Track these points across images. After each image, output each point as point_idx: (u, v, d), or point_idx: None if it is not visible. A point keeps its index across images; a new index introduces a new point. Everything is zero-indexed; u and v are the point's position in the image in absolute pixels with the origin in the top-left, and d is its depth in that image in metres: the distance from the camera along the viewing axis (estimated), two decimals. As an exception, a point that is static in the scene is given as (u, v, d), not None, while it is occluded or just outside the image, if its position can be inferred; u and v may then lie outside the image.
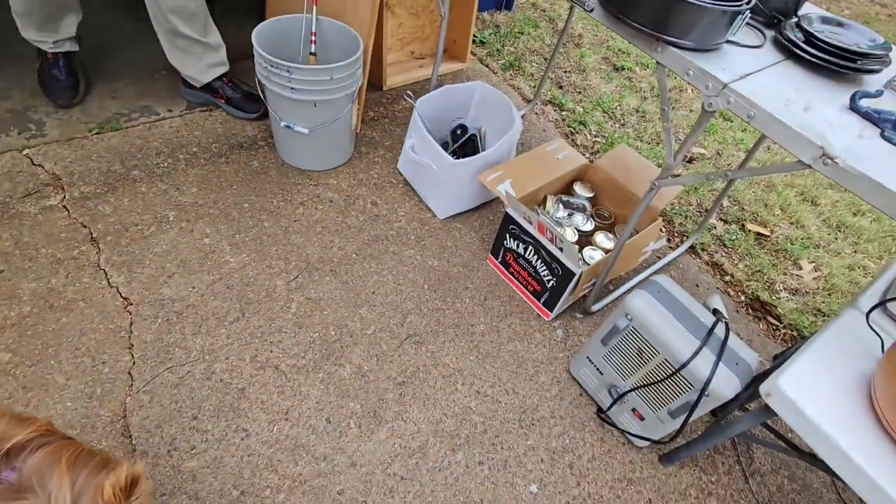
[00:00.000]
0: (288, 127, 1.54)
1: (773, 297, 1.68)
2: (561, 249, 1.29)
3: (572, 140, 2.14)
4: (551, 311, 1.44)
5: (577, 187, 1.62)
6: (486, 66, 2.39)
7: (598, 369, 1.24)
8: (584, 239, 1.54)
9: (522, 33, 2.65)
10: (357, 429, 1.17)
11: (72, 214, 1.39)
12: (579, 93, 2.38)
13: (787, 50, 1.03)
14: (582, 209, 1.57)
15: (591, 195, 1.61)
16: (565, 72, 2.49)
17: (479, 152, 1.57)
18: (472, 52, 2.39)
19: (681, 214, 1.89)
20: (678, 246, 1.77)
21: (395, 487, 1.10)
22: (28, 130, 1.56)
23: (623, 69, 2.59)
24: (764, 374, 1.02)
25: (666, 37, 0.97)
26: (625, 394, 1.17)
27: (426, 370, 1.30)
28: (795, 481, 1.28)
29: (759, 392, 0.89)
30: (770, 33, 1.09)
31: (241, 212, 1.52)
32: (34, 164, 1.48)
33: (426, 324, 1.39)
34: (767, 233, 1.90)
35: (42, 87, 1.64)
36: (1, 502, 0.56)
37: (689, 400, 1.03)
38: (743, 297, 1.67)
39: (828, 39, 0.99)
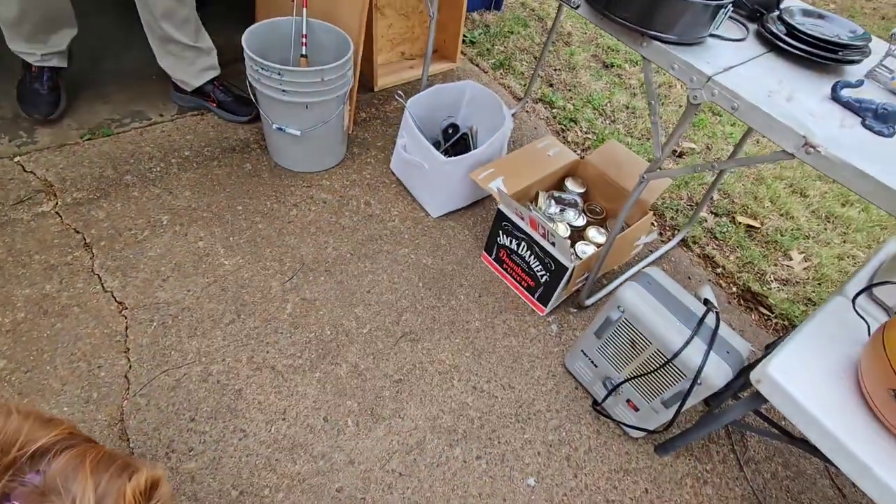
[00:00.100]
0: (280, 129, 1.55)
1: (764, 288, 1.70)
2: (553, 244, 1.31)
3: (563, 137, 2.15)
4: (545, 307, 1.45)
5: (569, 183, 1.63)
6: (477, 65, 2.40)
7: (592, 362, 1.25)
8: (577, 234, 1.55)
9: (512, 32, 2.67)
10: (354, 427, 1.18)
11: (65, 220, 1.39)
12: (569, 90, 2.39)
13: (770, 43, 1.05)
14: (574, 205, 1.58)
15: (582, 191, 1.62)
16: (555, 70, 2.51)
17: (470, 151, 1.58)
18: (462, 52, 2.41)
19: (672, 208, 1.91)
20: (670, 239, 1.79)
21: (393, 484, 1.11)
22: (19, 138, 1.56)
23: (612, 66, 2.61)
24: (756, 364, 1.03)
25: (651, 31, 0.98)
26: (619, 385, 1.18)
27: (422, 367, 1.31)
28: (789, 468, 1.30)
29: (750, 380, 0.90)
30: (753, 27, 1.11)
31: (235, 214, 1.52)
32: (25, 171, 1.47)
33: (421, 321, 1.40)
34: (758, 225, 1.92)
35: (20, 99, 1.58)
36: None
37: (681, 389, 1.04)
38: (734, 289, 1.69)
39: (809, 31, 1.01)
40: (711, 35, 1.03)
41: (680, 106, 2.45)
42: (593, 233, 1.54)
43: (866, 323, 0.94)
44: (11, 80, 1.62)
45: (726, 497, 1.21)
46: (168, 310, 1.28)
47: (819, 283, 1.75)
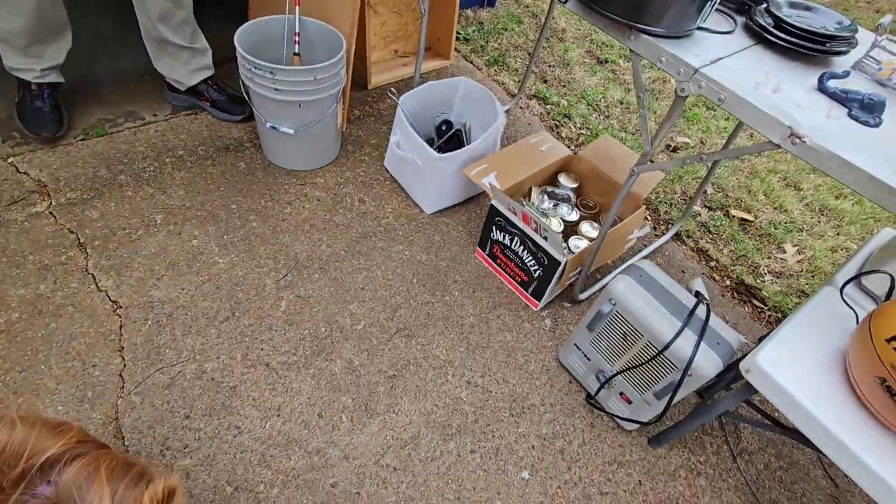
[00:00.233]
0: (273, 128, 1.55)
1: (758, 281, 1.70)
2: (546, 239, 1.31)
3: (557, 133, 2.16)
4: (539, 301, 1.46)
5: (562, 178, 1.64)
6: (471, 62, 2.40)
7: (585, 355, 1.26)
8: (570, 229, 1.55)
9: (506, 29, 2.67)
10: (349, 422, 1.18)
11: (59, 220, 1.40)
12: (563, 86, 2.40)
13: (758, 35, 1.05)
14: (567, 199, 1.59)
15: (575, 185, 1.63)
16: (549, 66, 2.51)
17: (464, 147, 1.59)
18: (456, 49, 2.41)
19: (666, 203, 1.92)
20: (664, 233, 1.79)
21: (387, 478, 1.11)
22: (12, 139, 1.56)
23: (607, 62, 2.61)
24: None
25: (639, 25, 0.98)
26: (611, 377, 1.18)
27: (417, 363, 1.31)
28: (782, 459, 1.31)
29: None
30: (741, 19, 1.11)
31: (229, 213, 1.53)
32: (19, 172, 1.48)
33: (416, 317, 1.40)
34: (751, 218, 1.93)
35: (23, 120, 1.54)
36: None
37: (672, 381, 1.04)
38: (728, 282, 1.70)
39: (796, 23, 1.01)
40: (699, 28, 1.03)
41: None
42: (586, 227, 1.55)
43: (854, 312, 0.95)
44: (3, 81, 1.62)
45: (719, 488, 1.22)
46: (162, 308, 1.29)
47: (812, 276, 1.76)
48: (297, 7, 1.56)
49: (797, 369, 0.89)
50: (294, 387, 1.21)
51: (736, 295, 1.67)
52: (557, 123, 2.19)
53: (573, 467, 1.20)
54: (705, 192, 2.00)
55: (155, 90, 1.80)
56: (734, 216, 1.92)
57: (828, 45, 1.00)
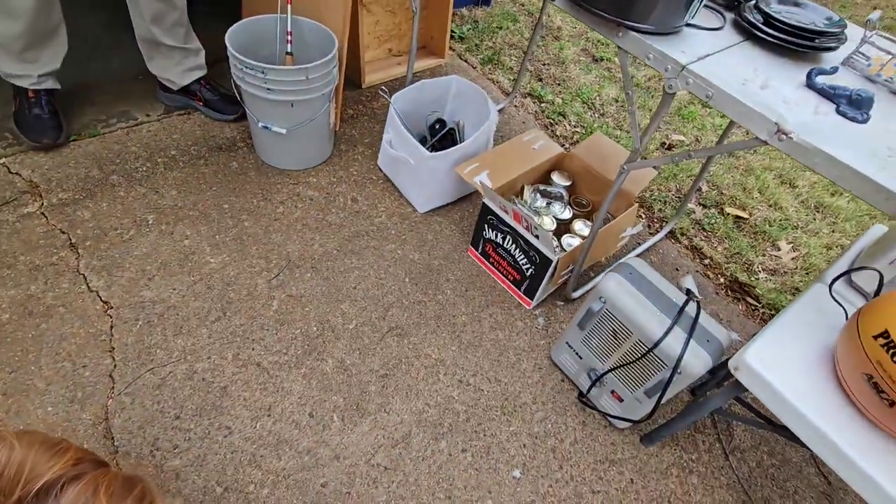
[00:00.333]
0: (266, 128, 1.55)
1: (752, 279, 1.70)
2: (537, 237, 1.31)
3: (552, 131, 2.15)
4: (532, 300, 1.45)
5: (555, 176, 1.63)
6: (465, 61, 2.40)
7: (577, 354, 1.26)
8: (563, 227, 1.55)
9: (501, 28, 2.66)
10: (340, 422, 1.18)
11: (50, 221, 1.40)
12: (559, 85, 2.39)
13: (747, 31, 1.05)
14: (559, 197, 1.58)
15: (568, 184, 1.62)
16: (544, 64, 2.51)
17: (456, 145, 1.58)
18: (450, 48, 2.40)
19: (660, 200, 1.91)
20: (658, 231, 1.79)
21: (378, 478, 1.11)
22: (4, 139, 1.56)
23: (602, 60, 2.61)
24: (736, 351, 1.03)
25: (627, 22, 0.98)
26: (602, 375, 1.18)
27: (408, 362, 1.31)
28: (775, 456, 1.30)
29: (727, 367, 0.90)
30: (730, 16, 1.11)
31: (221, 213, 1.53)
32: (11, 173, 1.48)
33: (408, 316, 1.40)
34: (746, 216, 1.92)
35: (21, 127, 1.52)
36: None
37: (663, 378, 1.04)
38: (722, 280, 1.70)
39: (785, 19, 1.01)
40: (688, 24, 1.03)
41: (669, 98, 2.44)
42: (579, 225, 1.55)
43: (844, 309, 0.95)
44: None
45: (711, 486, 1.22)
46: (153, 308, 1.28)
47: (807, 273, 1.75)
48: (289, 6, 1.56)
49: (786, 366, 0.88)
50: (285, 386, 1.21)
51: (730, 293, 1.67)
52: (552, 122, 2.19)
53: (565, 466, 1.20)
54: (700, 189, 2.00)
55: (148, 90, 1.80)
56: (729, 214, 1.92)
57: (817, 41, 1.00)
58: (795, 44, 1.00)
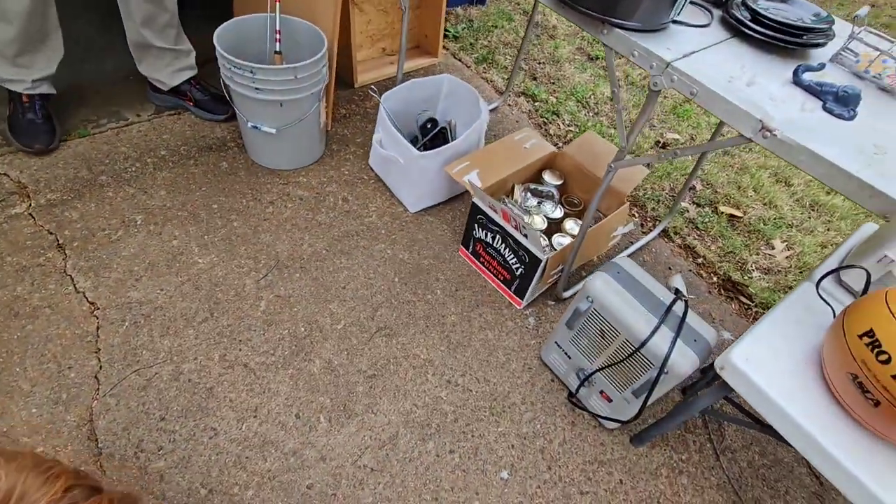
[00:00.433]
0: (255, 127, 1.54)
1: (745, 277, 1.69)
2: (525, 236, 1.30)
3: (545, 130, 2.14)
4: (522, 299, 1.45)
5: (546, 175, 1.63)
6: (459, 60, 2.39)
7: (566, 353, 1.25)
8: (555, 226, 1.54)
9: (496, 27, 2.65)
10: (327, 423, 1.17)
11: (38, 222, 1.39)
12: (553, 83, 2.38)
13: (734, 28, 1.04)
14: (550, 196, 1.57)
15: (559, 182, 1.62)
16: (539, 63, 2.50)
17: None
18: (444, 47, 2.40)
19: (654, 199, 1.90)
20: (651, 230, 1.78)
21: (364, 479, 1.10)
22: (-7, 140, 1.55)
23: (598, 58, 2.60)
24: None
25: (612, 19, 0.97)
26: (590, 375, 1.17)
27: (397, 362, 1.30)
28: (766, 456, 1.29)
29: (713, 366, 0.89)
30: (718, 12, 1.10)
31: (210, 213, 1.52)
32: (-1, 174, 1.47)
33: (397, 316, 1.39)
34: (740, 214, 1.91)
35: (14, 132, 1.50)
36: None
37: (650, 378, 1.03)
38: (715, 279, 1.69)
39: (772, 16, 1.00)
40: (674, 21, 1.02)
41: (665, 97, 2.44)
42: (571, 224, 1.54)
43: (831, 308, 0.94)
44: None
45: (702, 486, 1.21)
46: (140, 309, 1.28)
47: (801, 272, 1.74)
48: (277, 4, 1.55)
49: (772, 366, 0.87)
50: (272, 387, 1.21)
51: (723, 292, 1.66)
52: (546, 121, 2.18)
53: (553, 466, 1.19)
54: (693, 188, 1.99)
55: (139, 91, 1.80)
56: (723, 212, 1.91)
57: (804, 37, 0.99)
58: (783, 40, 0.99)
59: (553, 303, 1.51)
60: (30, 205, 1.42)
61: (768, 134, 0.81)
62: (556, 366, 1.31)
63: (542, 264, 1.30)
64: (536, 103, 2.25)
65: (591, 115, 2.25)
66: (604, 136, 2.07)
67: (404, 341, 1.34)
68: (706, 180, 2.03)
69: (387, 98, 1.59)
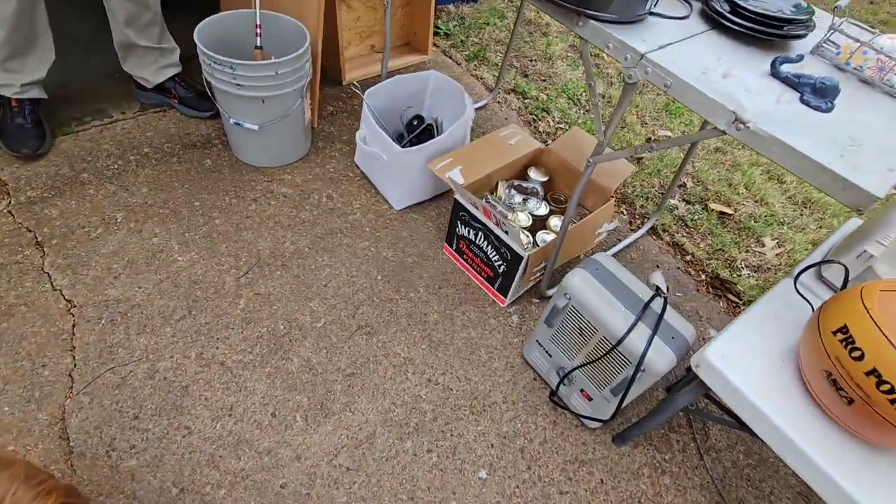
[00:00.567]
0: (237, 124, 1.53)
1: (734, 275, 1.67)
2: (507, 233, 1.28)
3: (534, 127, 2.12)
4: (506, 297, 1.43)
5: (532, 172, 1.61)
6: (450, 57, 2.38)
7: (546, 352, 1.23)
8: (540, 223, 1.52)
9: (488, 24, 2.64)
10: (303, 422, 1.16)
11: (17, 219, 1.38)
12: (544, 80, 2.36)
13: (713, 20, 1.02)
14: (535, 193, 1.56)
15: (545, 179, 1.60)
16: (531, 60, 2.48)
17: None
18: (434, 45, 2.38)
19: (642, 196, 1.88)
20: (640, 227, 1.76)
21: (339, 479, 1.09)
22: (-25, 138, 1.55)
23: (591, 55, 2.57)
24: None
25: (587, 11, 0.96)
26: (568, 374, 1.16)
27: (376, 360, 1.29)
28: (751, 456, 1.27)
29: (688, 364, 0.88)
30: (697, 4, 1.08)
31: (192, 210, 1.51)
32: (-21, 171, 1.46)
33: (378, 314, 1.38)
34: (731, 211, 1.89)
35: (3, 137, 1.48)
36: None
37: (627, 376, 1.01)
38: (703, 276, 1.66)
39: (752, 7, 0.98)
40: (652, 13, 1.00)
41: (657, 94, 2.42)
42: (556, 221, 1.52)
43: (810, 304, 0.92)
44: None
45: (684, 486, 1.19)
46: (117, 307, 1.27)
47: (790, 269, 1.72)
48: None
49: (748, 363, 0.86)
50: (248, 386, 1.19)
51: (711, 289, 1.64)
52: (535, 118, 2.16)
53: (533, 466, 1.17)
54: (684, 185, 1.97)
55: (125, 89, 1.79)
56: (713, 210, 1.88)
57: (784, 28, 0.97)
58: (762, 32, 0.97)
59: (537, 301, 1.49)
60: (10, 202, 1.42)
61: (741, 126, 0.79)
62: (538, 364, 1.29)
63: (524, 261, 1.28)
64: (526, 100, 2.23)
65: (581, 112, 2.23)
66: (592, 133, 2.05)
67: (385, 339, 1.33)
68: (697, 177, 2.01)
69: (371, 94, 1.58)
